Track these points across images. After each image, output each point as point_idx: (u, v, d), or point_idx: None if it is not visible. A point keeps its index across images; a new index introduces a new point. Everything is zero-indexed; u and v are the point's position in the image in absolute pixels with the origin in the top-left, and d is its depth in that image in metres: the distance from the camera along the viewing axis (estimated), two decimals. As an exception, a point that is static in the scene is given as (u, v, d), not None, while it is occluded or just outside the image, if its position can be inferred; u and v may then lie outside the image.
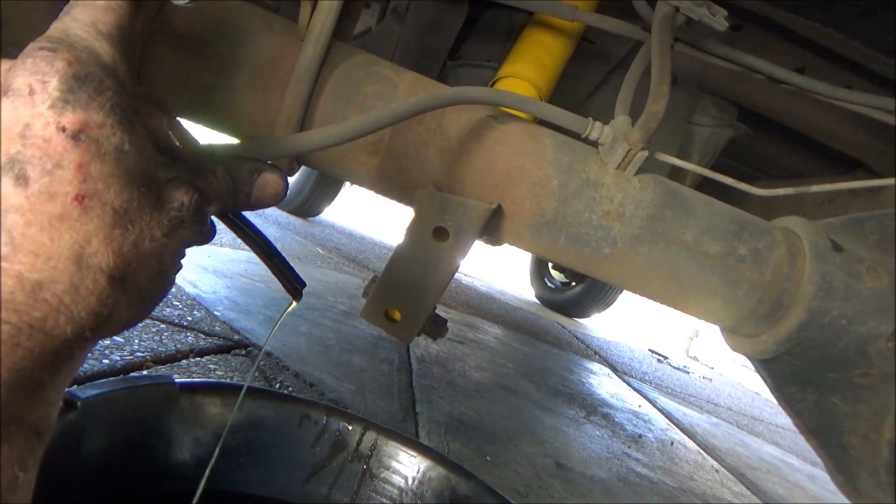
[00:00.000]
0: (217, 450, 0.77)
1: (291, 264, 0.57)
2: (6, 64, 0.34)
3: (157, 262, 0.37)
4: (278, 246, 0.55)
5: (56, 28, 0.35)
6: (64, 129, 0.32)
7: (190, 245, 0.41)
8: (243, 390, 0.82)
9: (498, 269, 7.17)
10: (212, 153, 0.46)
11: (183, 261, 0.42)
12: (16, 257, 0.31)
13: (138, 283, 0.36)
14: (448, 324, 0.79)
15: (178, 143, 0.42)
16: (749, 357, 0.77)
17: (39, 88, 0.32)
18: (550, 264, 5.70)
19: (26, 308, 0.31)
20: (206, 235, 0.43)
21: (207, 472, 0.74)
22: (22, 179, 0.31)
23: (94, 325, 0.34)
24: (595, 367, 3.86)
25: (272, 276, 0.56)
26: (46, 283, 0.32)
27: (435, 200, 0.67)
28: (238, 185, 0.45)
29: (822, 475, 3.18)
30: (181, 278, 2.07)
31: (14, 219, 0.31)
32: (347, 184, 4.59)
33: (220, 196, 0.43)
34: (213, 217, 0.44)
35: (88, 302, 0.33)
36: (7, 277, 0.31)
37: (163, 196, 0.37)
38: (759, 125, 1.43)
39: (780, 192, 0.73)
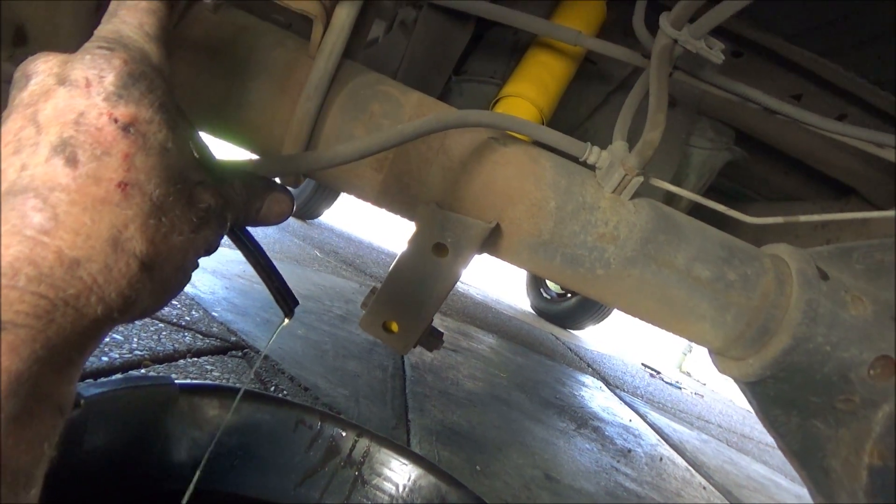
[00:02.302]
0: (209, 449, 0.78)
1: (286, 282, 0.59)
2: (62, 57, 0.36)
3: (182, 255, 0.39)
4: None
5: (107, 29, 0.38)
6: (116, 121, 0.34)
7: (206, 248, 0.43)
8: (240, 393, 0.84)
9: (494, 279, 7.19)
10: (227, 168, 0.48)
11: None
12: (57, 233, 0.32)
13: (164, 273, 0.38)
14: (444, 335, 0.81)
15: (196, 155, 0.44)
16: (735, 379, 0.79)
17: (96, 82, 0.35)
18: (547, 275, 5.72)
19: (63, 284, 0.32)
20: (215, 245, 0.45)
21: (198, 472, 0.76)
22: (71, 161, 0.33)
23: (122, 307, 0.35)
24: (587, 379, 3.87)
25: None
26: (83, 262, 0.33)
27: (435, 217, 0.69)
28: (251, 199, 0.48)
29: (809, 497, 3.20)
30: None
31: (60, 196, 0.33)
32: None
33: (236, 206, 0.45)
34: None
35: (119, 284, 0.35)
36: (47, 252, 0.32)
37: (193, 196, 0.40)
38: (755, 148, 1.46)
39: (770, 220, 0.75)
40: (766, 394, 0.79)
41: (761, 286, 0.74)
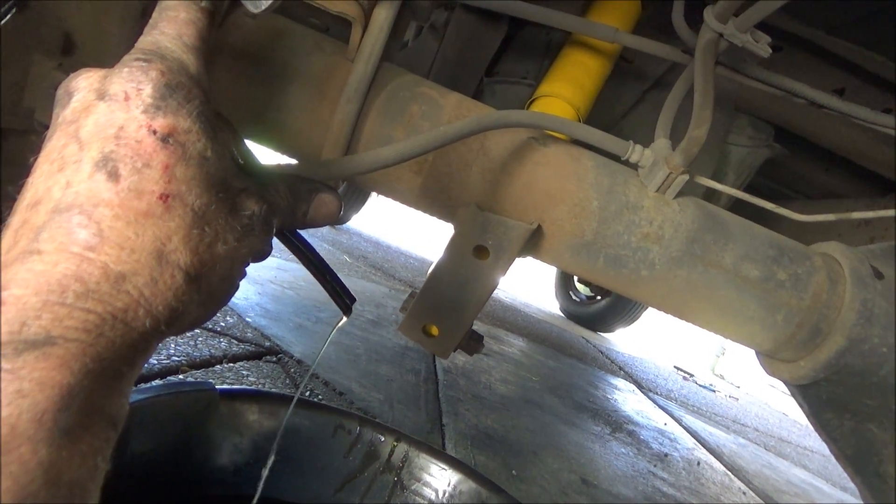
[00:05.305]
0: (271, 458, 0.79)
1: (341, 280, 0.58)
2: (102, 72, 0.36)
3: (228, 265, 0.39)
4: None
5: (146, 41, 0.38)
6: (155, 132, 0.34)
7: (253, 256, 0.42)
8: (293, 403, 0.84)
9: (523, 281, 7.15)
10: (272, 173, 0.48)
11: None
12: (103, 249, 0.32)
13: (210, 284, 0.38)
14: (483, 338, 0.80)
15: (240, 161, 0.44)
16: (786, 382, 0.77)
17: (134, 94, 0.35)
18: (576, 278, 5.67)
19: (110, 299, 0.32)
20: (266, 252, 0.44)
21: (262, 483, 0.76)
22: (113, 176, 0.33)
23: (169, 319, 0.35)
24: (620, 383, 3.83)
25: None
26: (129, 276, 0.33)
27: (476, 219, 0.68)
28: (297, 202, 0.47)
29: (852, 501, 3.12)
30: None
31: (103, 212, 0.33)
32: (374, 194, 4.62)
33: (282, 211, 0.45)
34: None
35: (166, 297, 0.34)
36: (94, 268, 0.32)
37: (237, 203, 0.39)
38: (794, 144, 1.42)
39: (822, 218, 0.72)
40: (819, 397, 0.77)
41: (813, 286, 0.71)
